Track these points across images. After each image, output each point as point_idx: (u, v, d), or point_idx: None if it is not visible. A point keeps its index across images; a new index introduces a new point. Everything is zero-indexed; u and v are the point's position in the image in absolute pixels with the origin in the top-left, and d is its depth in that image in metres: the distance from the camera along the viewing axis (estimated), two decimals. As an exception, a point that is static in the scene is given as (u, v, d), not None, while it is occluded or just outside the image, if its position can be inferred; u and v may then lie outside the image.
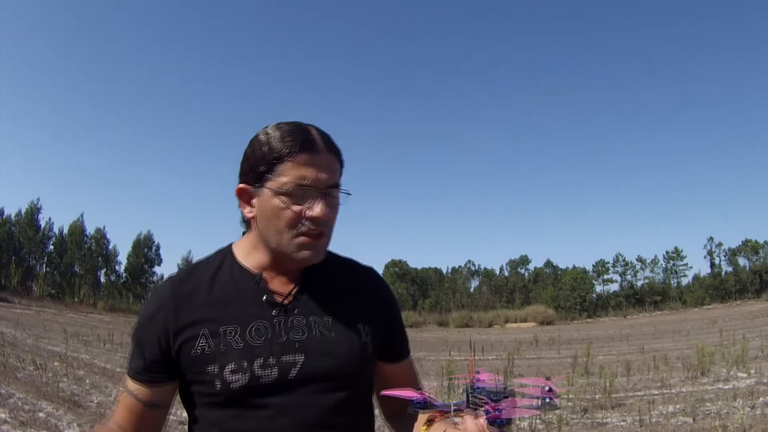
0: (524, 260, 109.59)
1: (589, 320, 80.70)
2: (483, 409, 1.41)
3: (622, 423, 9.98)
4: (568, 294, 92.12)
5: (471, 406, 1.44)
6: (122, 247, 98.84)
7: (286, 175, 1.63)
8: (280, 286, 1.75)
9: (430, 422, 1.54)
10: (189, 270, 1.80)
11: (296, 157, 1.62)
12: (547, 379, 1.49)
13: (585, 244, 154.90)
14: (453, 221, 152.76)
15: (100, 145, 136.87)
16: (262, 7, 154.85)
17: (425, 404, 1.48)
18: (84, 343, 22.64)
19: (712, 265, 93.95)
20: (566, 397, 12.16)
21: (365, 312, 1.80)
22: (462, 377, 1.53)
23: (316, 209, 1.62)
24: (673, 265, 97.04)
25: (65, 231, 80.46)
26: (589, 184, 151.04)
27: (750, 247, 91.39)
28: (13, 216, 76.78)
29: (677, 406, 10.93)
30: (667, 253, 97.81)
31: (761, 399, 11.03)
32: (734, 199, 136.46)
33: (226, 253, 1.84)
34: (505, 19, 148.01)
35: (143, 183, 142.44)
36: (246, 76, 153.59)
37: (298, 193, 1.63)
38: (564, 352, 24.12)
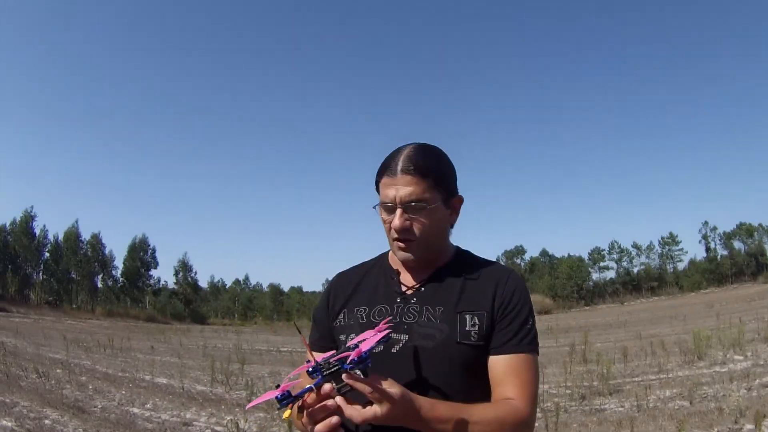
0: (520, 250, 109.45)
1: (586, 308, 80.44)
2: (336, 359, 1.64)
3: (620, 408, 10.09)
4: (564, 282, 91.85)
5: (326, 377, 1.63)
6: (118, 252, 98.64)
7: (380, 194, 2.11)
8: (410, 280, 2.15)
9: (300, 408, 1.66)
10: (353, 266, 2.36)
11: (381, 180, 2.09)
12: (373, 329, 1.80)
13: (580, 233, 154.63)
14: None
15: (92, 151, 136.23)
16: (253, 4, 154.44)
17: (288, 396, 1.63)
18: (84, 349, 22.64)
19: (708, 249, 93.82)
20: (564, 384, 12.27)
21: (480, 306, 2.03)
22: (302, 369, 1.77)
23: (394, 222, 2.03)
24: (669, 250, 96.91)
25: (60, 238, 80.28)
26: (582, 172, 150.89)
27: (745, 231, 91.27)
28: (7, 225, 76.72)
29: (674, 390, 11.05)
30: (662, 238, 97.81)
31: (757, 381, 11.14)
32: (728, 183, 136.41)
33: (383, 255, 2.34)
34: (516, 10, 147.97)
35: (137, 187, 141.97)
36: (239, 76, 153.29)
37: (386, 208, 2.08)
38: (562, 341, 24.16)
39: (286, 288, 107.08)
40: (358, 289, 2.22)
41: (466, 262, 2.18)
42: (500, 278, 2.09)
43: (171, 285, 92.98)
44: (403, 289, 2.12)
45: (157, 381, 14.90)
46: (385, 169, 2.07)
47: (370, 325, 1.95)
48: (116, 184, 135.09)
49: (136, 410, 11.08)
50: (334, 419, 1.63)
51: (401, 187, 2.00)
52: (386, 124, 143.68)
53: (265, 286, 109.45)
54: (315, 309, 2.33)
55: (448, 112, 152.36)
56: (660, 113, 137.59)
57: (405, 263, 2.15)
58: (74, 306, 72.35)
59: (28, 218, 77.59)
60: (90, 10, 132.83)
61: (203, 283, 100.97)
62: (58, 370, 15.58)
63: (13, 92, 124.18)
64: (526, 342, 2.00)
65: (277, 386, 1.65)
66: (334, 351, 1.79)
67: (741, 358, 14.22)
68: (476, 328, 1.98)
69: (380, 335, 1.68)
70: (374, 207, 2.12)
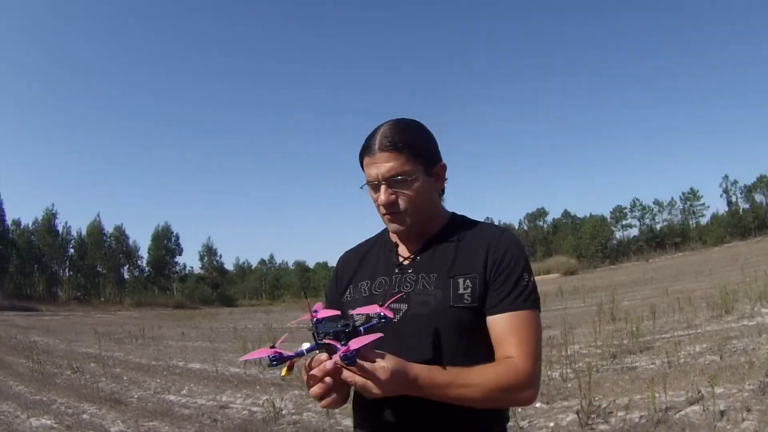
0: (542, 212, 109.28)
1: (611, 267, 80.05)
2: (331, 344, 1.74)
3: (651, 365, 10.08)
4: (588, 242, 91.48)
5: (320, 345, 1.77)
6: (142, 242, 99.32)
7: (365, 174, 2.19)
8: (406, 251, 2.27)
9: (289, 369, 1.85)
10: (357, 245, 2.50)
11: (363, 161, 2.19)
12: (381, 305, 1.93)
13: (601, 192, 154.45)
14: (468, 178, 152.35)
15: (107, 145, 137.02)
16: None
17: (280, 358, 1.75)
18: (116, 342, 22.82)
19: (729, 202, 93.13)
20: (594, 344, 12.31)
21: (473, 268, 2.10)
22: (300, 321, 2.00)
23: (380, 197, 2.13)
24: (691, 205, 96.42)
25: (84, 233, 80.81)
26: (600, 131, 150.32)
27: (766, 183, 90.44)
28: (30, 225, 77.23)
29: (704, 345, 11.04)
30: (683, 194, 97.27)
31: (786, 333, 11.12)
32: (748, 135, 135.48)
33: (384, 231, 2.42)
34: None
35: (156, 175, 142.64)
36: (252, 66, 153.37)
37: (372, 186, 2.18)
38: (589, 301, 24.19)
39: (311, 264, 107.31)
40: (362, 265, 2.36)
41: (459, 227, 2.26)
42: (492, 239, 2.15)
43: (197, 270, 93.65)
44: (401, 260, 2.24)
45: (191, 366, 15.06)
46: (365, 149, 2.17)
47: (372, 298, 2.14)
48: (135, 175, 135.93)
49: (172, 397, 11.22)
50: (328, 380, 1.75)
51: (381, 164, 2.11)
52: (407, 98, 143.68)
53: (290, 264, 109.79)
54: (327, 288, 2.50)
55: (469, 79, 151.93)
56: (677, 66, 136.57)
57: (400, 235, 2.27)
58: (103, 299, 72.93)
59: (51, 216, 78.11)
60: (97, 10, 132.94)
61: (229, 265, 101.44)
62: (91, 364, 15.76)
63: (22, 95, 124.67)
64: (522, 299, 2.05)
65: (272, 346, 1.77)
66: (336, 313, 2.00)
67: (769, 310, 14.17)
68: (469, 290, 2.05)
69: (374, 337, 1.73)
70: (361, 187, 2.24)
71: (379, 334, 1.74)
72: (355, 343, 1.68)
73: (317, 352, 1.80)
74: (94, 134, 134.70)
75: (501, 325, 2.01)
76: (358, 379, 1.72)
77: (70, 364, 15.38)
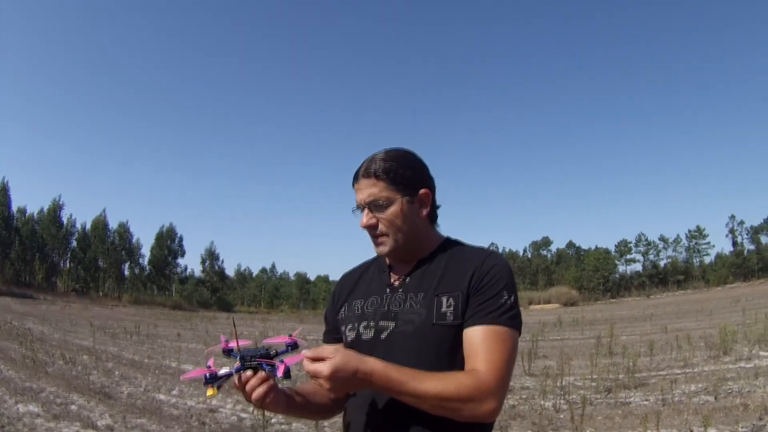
0: (546, 242, 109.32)
1: (612, 301, 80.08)
2: (257, 362, 1.90)
3: (645, 402, 10.04)
4: (591, 275, 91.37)
5: (246, 366, 1.91)
6: (146, 240, 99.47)
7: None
8: (398, 272, 2.33)
9: (218, 387, 1.96)
10: (355, 267, 2.58)
11: (353, 187, 2.31)
12: (290, 336, 2.07)
13: (607, 225, 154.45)
14: (474, 204, 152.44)
15: (119, 141, 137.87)
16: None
17: (215, 377, 1.92)
18: (111, 336, 22.87)
19: (735, 243, 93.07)
20: (590, 377, 12.24)
21: (457, 287, 2.13)
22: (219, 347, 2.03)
23: (361, 221, 2.25)
24: (696, 244, 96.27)
25: (88, 227, 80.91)
26: (610, 164, 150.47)
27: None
28: (35, 214, 77.36)
29: (699, 385, 11.01)
30: (689, 232, 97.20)
31: (783, 377, 11.07)
32: (756, 177, 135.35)
33: None
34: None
35: (165, 176, 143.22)
36: (262, 75, 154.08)
37: (360, 210, 2.27)
38: (588, 333, 24.17)
39: (312, 276, 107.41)
40: (357, 285, 2.45)
41: (449, 250, 2.31)
42: (479, 259, 2.18)
43: (198, 273, 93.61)
44: (392, 280, 2.32)
45: (184, 368, 15.05)
46: (354, 177, 2.32)
47: (363, 316, 2.26)
48: (144, 175, 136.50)
49: (162, 396, 11.20)
50: (263, 390, 1.90)
51: (363, 190, 2.24)
52: (416, 121, 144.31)
53: (291, 274, 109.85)
54: (326, 308, 2.61)
55: (477, 110, 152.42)
56: (687, 107, 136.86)
57: (390, 257, 2.37)
58: (101, 293, 72.96)
59: (57, 207, 78.21)
60: (109, 7, 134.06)
61: (230, 271, 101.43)
62: (84, 357, 15.76)
63: (35, 87, 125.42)
64: (497, 313, 2.04)
65: (208, 366, 1.94)
66: (249, 343, 2.02)
67: (767, 354, 14.12)
68: (451, 308, 2.08)
69: (300, 357, 1.91)
70: (353, 211, 2.33)
71: (294, 340, 2.03)
72: (290, 361, 1.91)
73: (240, 372, 1.92)
74: (107, 131, 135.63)
75: (473, 336, 2.02)
76: (310, 369, 1.84)
77: (63, 354, 15.42)
